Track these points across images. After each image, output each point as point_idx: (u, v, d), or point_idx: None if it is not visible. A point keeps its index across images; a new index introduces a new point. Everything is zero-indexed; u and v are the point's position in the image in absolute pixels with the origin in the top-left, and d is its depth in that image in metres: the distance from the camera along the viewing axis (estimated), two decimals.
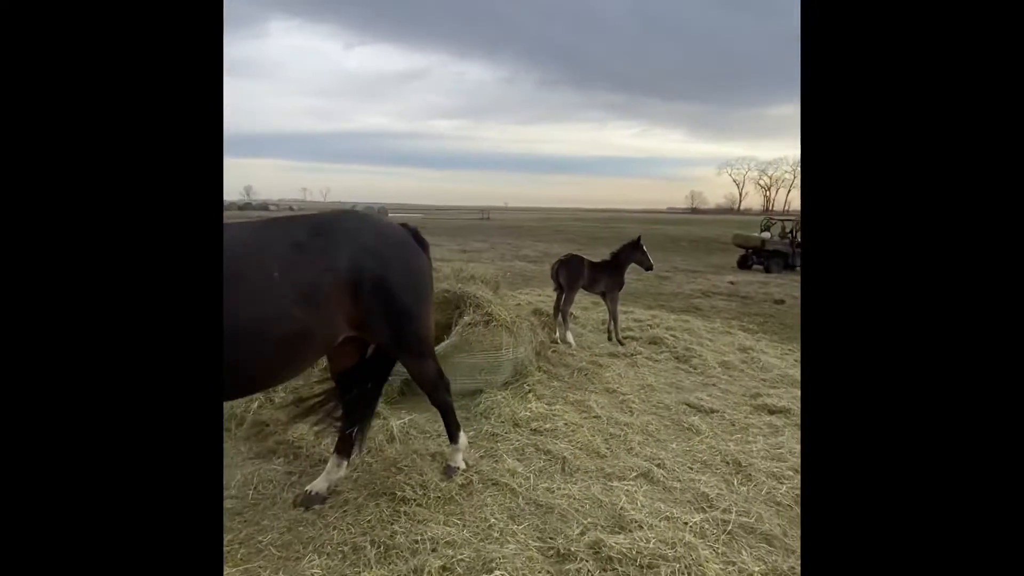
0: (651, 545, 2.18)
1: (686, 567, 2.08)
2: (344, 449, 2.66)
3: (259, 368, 2.01)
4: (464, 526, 2.37)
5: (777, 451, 3.26)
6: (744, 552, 2.26)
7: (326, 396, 2.75)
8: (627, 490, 2.69)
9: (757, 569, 2.15)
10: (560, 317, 5.55)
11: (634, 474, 2.90)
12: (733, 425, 3.71)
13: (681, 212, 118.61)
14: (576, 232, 29.22)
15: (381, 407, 3.53)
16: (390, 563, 2.11)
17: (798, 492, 2.74)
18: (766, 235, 16.21)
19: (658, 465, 3.00)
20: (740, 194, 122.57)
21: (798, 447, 3.29)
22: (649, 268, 6.07)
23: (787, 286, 11.70)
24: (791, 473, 2.96)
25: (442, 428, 2.86)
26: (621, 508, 2.52)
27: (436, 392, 2.69)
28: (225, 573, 2.01)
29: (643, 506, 2.56)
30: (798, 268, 14.77)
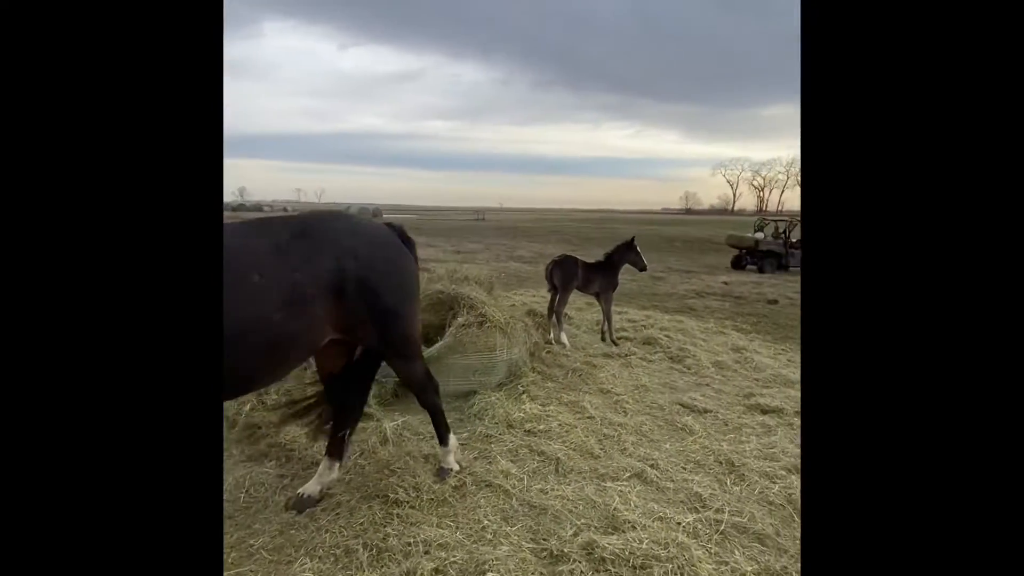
0: (644, 546, 2.18)
1: (679, 567, 2.08)
2: (336, 451, 2.65)
3: (241, 372, 1.96)
4: (457, 528, 2.36)
5: (770, 451, 3.27)
6: (737, 552, 2.27)
7: (318, 398, 2.73)
8: (620, 491, 2.69)
9: (750, 569, 2.16)
10: (554, 318, 5.55)
11: (627, 474, 2.90)
12: (726, 425, 3.72)
13: (675, 213, 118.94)
14: (571, 232, 29.26)
15: (374, 409, 3.52)
16: (383, 566, 2.10)
17: (791, 492, 2.76)
18: (760, 236, 16.31)
19: (651, 465, 3.01)
20: (734, 195, 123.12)
21: (791, 447, 3.30)
22: (643, 269, 6.08)
23: (781, 286, 11.77)
24: (784, 473, 2.97)
25: None
26: (614, 509, 2.52)
27: (424, 393, 2.67)
28: None
29: (636, 506, 2.56)
30: (791, 268, 14.86)
